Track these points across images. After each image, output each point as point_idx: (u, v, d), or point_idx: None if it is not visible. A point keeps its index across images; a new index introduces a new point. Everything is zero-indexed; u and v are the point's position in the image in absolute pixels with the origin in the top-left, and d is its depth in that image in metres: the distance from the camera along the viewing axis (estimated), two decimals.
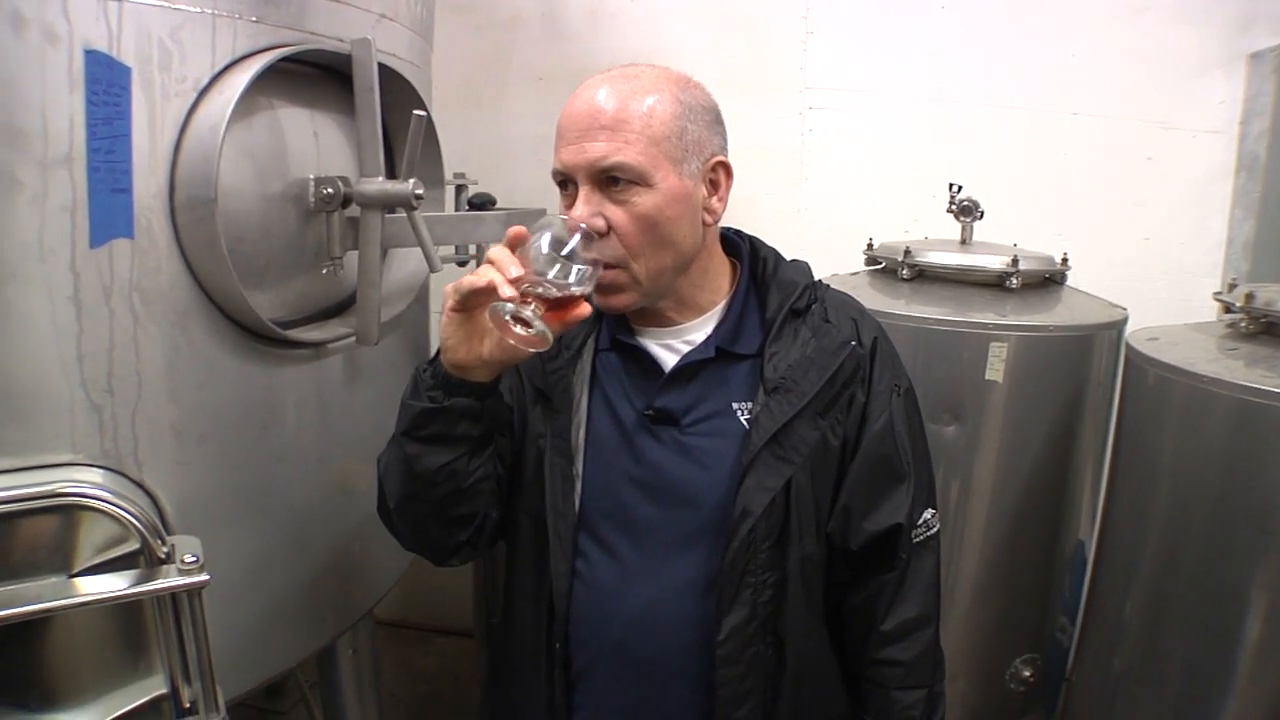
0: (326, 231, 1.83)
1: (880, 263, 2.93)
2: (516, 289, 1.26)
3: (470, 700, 3.71)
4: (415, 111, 1.75)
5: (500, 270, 1.27)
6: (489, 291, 1.27)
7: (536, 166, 3.19)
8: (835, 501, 1.53)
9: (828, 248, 2.80)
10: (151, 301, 1.57)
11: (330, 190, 1.80)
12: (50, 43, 1.43)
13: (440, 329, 1.38)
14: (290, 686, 3.54)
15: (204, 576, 1.49)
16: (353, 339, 1.91)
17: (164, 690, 1.60)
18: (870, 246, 2.99)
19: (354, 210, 1.86)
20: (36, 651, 1.55)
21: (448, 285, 1.34)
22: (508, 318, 1.26)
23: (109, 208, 1.50)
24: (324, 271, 1.84)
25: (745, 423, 1.47)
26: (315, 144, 1.88)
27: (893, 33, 3.53)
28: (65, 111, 1.45)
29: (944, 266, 2.68)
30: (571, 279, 1.30)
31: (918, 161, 3.52)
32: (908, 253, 2.72)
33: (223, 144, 1.55)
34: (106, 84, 1.49)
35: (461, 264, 2.44)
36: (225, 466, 1.73)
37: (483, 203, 2.43)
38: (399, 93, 1.98)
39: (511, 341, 1.30)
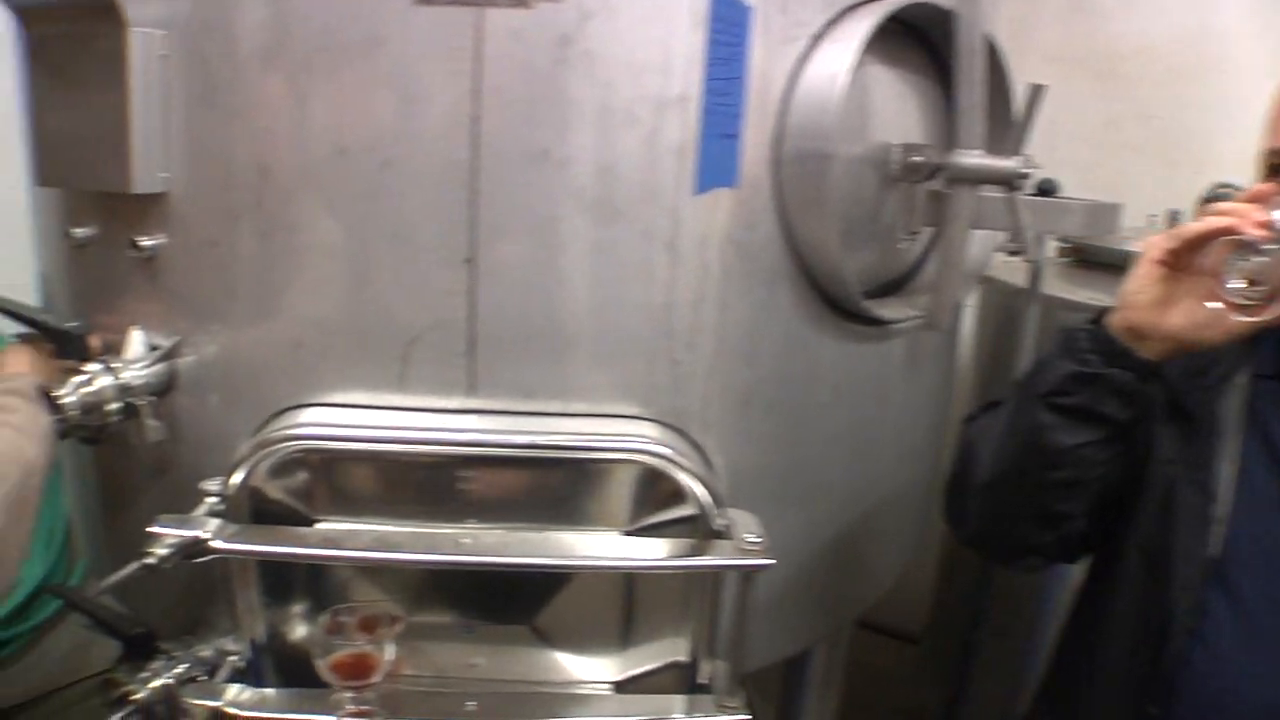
0: (908, 203, 1.68)
1: None
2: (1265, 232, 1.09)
3: (878, 700, 3.54)
4: (1032, 82, 1.56)
5: (1241, 215, 1.10)
6: (1218, 235, 1.11)
7: (1047, 154, 2.94)
8: None
9: None
10: (745, 258, 1.48)
11: (919, 159, 1.64)
12: None
13: (1127, 284, 1.21)
14: None
15: (769, 560, 1.38)
16: (919, 321, 1.74)
17: (684, 659, 1.55)
18: None
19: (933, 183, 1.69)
20: (574, 596, 1.55)
21: (1153, 236, 1.17)
22: (1231, 267, 1.11)
23: (717, 153, 1.42)
24: (899, 246, 1.69)
25: None
26: (895, 107, 1.73)
27: None
28: (685, 49, 1.38)
29: None
30: None
31: None
32: None
33: (843, 95, 1.43)
34: (728, 23, 1.40)
35: (1013, 254, 2.23)
36: (781, 441, 1.63)
37: (1049, 189, 2.20)
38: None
39: (1214, 306, 1.13)
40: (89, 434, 1.54)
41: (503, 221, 1.38)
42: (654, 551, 1.42)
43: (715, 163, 1.41)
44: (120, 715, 1.56)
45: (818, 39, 1.49)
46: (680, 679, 1.56)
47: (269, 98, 1.42)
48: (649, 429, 1.45)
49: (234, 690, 1.51)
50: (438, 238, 1.38)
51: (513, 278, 1.40)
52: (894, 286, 1.84)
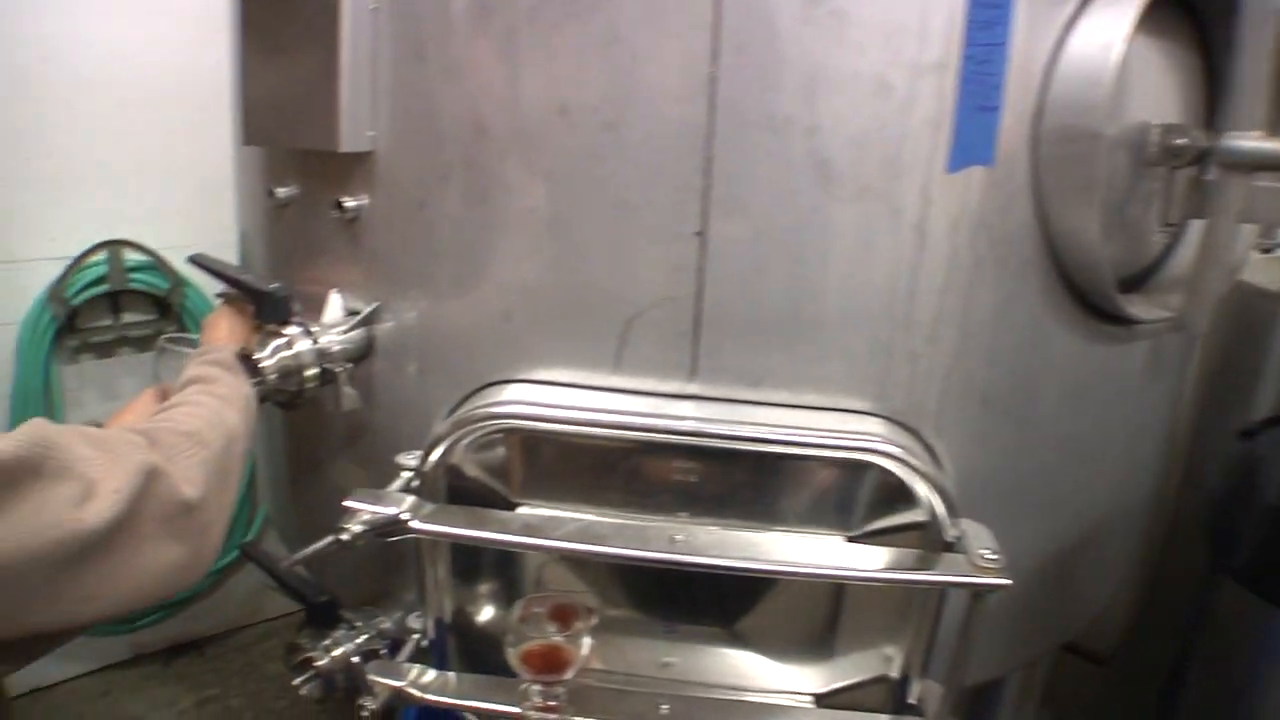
0: (1166, 190, 1.51)
1: None
2: None
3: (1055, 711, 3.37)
4: None
5: None
6: None
7: None
8: None
9: None
10: (997, 244, 1.34)
11: (1183, 141, 1.47)
12: None
13: None
14: None
15: (1005, 580, 1.25)
16: (1170, 321, 1.58)
17: (893, 675, 1.43)
18: None
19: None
20: (780, 600, 1.46)
21: None
22: None
23: (974, 127, 1.28)
24: (1154, 238, 1.53)
25: None
26: (1155, 82, 1.56)
27: None
28: (945, 10, 1.25)
29: None
30: None
31: None
32: None
33: (1117, 68, 1.28)
34: None
35: (1265, 251, 2.04)
36: (1014, 446, 1.49)
37: None
38: None
39: None
40: (286, 399, 1.50)
41: (737, 193, 1.27)
42: (881, 561, 1.30)
43: (972, 138, 1.28)
44: (302, 679, 1.54)
45: (1087, 2, 1.34)
46: (887, 696, 1.44)
47: (484, 52, 1.35)
48: (879, 426, 1.33)
49: (416, 671, 1.45)
50: (666, 207, 1.29)
51: (745, 254, 1.29)
52: (1134, 282, 1.67)
